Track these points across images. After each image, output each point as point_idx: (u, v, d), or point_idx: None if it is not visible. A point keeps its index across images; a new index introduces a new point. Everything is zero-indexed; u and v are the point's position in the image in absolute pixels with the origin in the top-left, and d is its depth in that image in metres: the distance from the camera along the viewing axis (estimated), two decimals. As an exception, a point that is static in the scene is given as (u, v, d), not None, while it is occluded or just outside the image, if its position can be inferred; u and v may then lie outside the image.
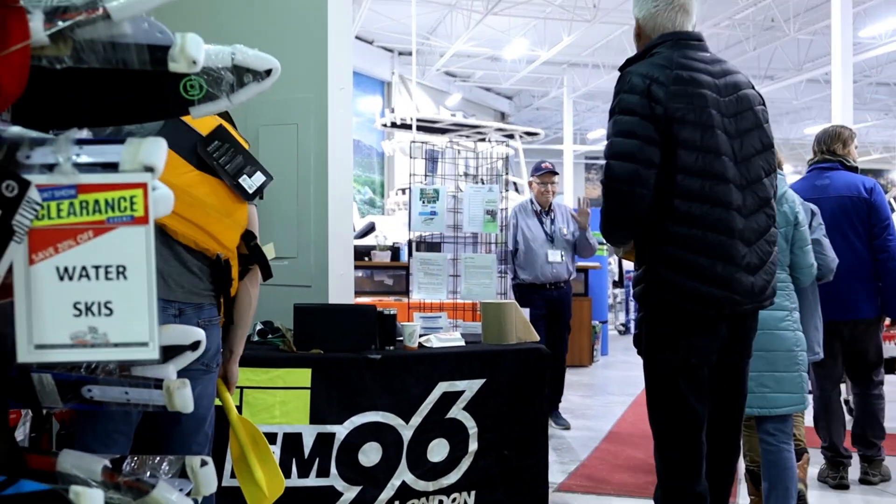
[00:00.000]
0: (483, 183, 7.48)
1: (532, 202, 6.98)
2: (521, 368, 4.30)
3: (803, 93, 28.17)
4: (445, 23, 23.02)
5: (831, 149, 5.27)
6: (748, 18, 21.30)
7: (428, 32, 24.02)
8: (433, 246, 7.48)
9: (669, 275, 2.85)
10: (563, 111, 29.50)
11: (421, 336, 4.35)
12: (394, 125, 15.91)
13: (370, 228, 13.11)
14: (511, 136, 17.71)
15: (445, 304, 5.95)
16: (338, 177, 5.12)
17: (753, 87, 3.08)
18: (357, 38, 23.20)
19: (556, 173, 7.11)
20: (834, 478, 5.20)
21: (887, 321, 5.53)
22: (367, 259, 10.17)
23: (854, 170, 5.26)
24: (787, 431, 3.90)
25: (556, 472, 5.30)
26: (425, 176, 6.40)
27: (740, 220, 2.86)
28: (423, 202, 5.87)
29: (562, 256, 6.75)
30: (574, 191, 28.39)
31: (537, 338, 4.56)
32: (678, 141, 2.80)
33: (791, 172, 41.79)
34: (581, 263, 8.99)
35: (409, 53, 18.94)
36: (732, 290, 2.84)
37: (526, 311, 4.74)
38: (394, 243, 11.10)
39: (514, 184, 17.57)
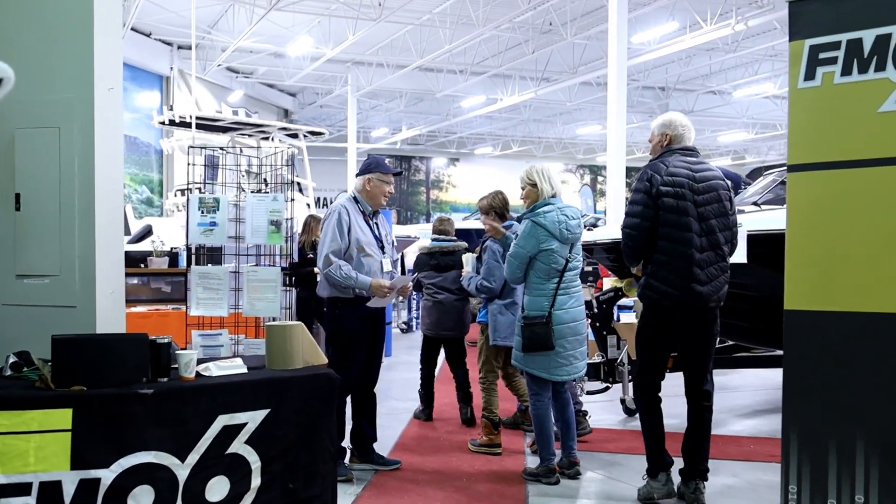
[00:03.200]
0: (267, 184, 7.09)
1: (357, 201, 5.69)
2: (308, 395, 4.06)
3: (577, 95, 29.45)
4: (227, 17, 22.26)
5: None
6: (527, 22, 21.95)
7: (209, 26, 23.12)
8: (214, 252, 6.98)
9: None
10: (347, 109, 29.34)
11: (199, 364, 4.01)
12: (172, 123, 15.11)
13: (147, 232, 12.40)
14: (295, 136, 17.32)
15: (227, 319, 5.61)
16: (106, 185, 4.75)
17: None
18: (133, 29, 21.99)
19: (400, 173, 6.20)
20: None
21: None
22: (142, 266, 9.55)
23: None
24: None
25: (345, 495, 5.08)
26: (204, 184, 5.97)
27: None
28: (203, 212, 5.48)
29: (391, 266, 5.73)
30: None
31: (325, 360, 4.32)
32: None
33: (563, 170, 43.94)
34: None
35: (189, 47, 18.09)
36: None
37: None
38: (172, 248, 10.51)
39: (298, 184, 17.20)
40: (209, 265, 6.08)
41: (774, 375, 9.09)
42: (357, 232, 5.52)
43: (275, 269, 5.51)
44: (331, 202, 38.64)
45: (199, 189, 5.91)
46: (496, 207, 6.41)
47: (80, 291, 4.62)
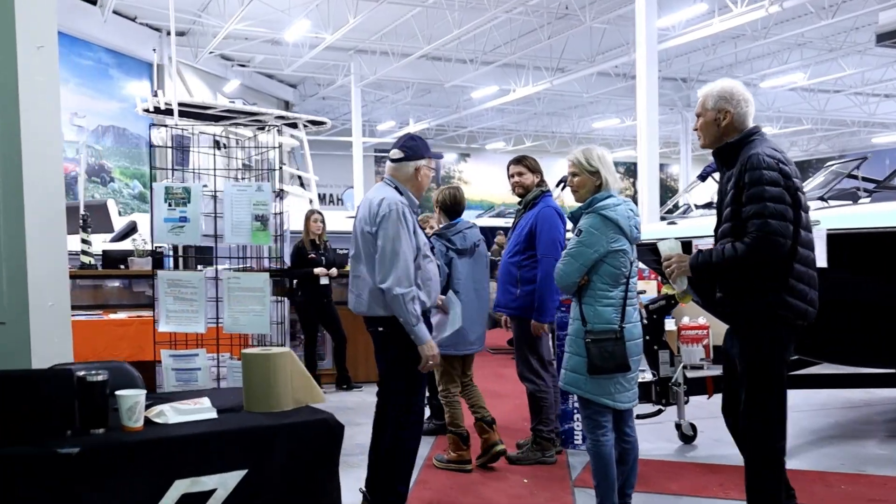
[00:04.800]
0: (251, 169, 6.16)
1: (401, 193, 4.38)
2: (300, 449, 3.06)
3: (594, 86, 28.28)
4: (217, -1, 21.02)
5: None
6: (542, 5, 20.77)
7: (199, 9, 21.89)
8: (205, 254, 5.94)
9: None
10: (351, 101, 28.12)
11: (150, 407, 2.96)
12: (157, 110, 13.97)
13: (131, 229, 11.38)
14: (294, 126, 16.23)
15: (206, 336, 4.58)
16: (40, 170, 3.78)
17: None
18: (116, 13, 20.82)
19: (440, 157, 5.36)
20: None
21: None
22: (122, 267, 8.56)
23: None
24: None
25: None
26: (172, 170, 4.97)
27: None
28: (170, 204, 4.46)
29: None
30: (364, 184, 27.17)
31: (322, 399, 3.29)
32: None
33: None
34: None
35: (180, 33, 16.94)
36: None
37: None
38: (157, 247, 9.47)
39: (300, 178, 16.16)
40: (182, 270, 5.07)
41: (829, 391, 7.98)
42: (419, 233, 4.36)
43: (261, 276, 4.47)
44: (336, 199, 37.70)
45: (167, 178, 4.92)
46: (442, 203, 5.82)
47: (8, 304, 3.67)
